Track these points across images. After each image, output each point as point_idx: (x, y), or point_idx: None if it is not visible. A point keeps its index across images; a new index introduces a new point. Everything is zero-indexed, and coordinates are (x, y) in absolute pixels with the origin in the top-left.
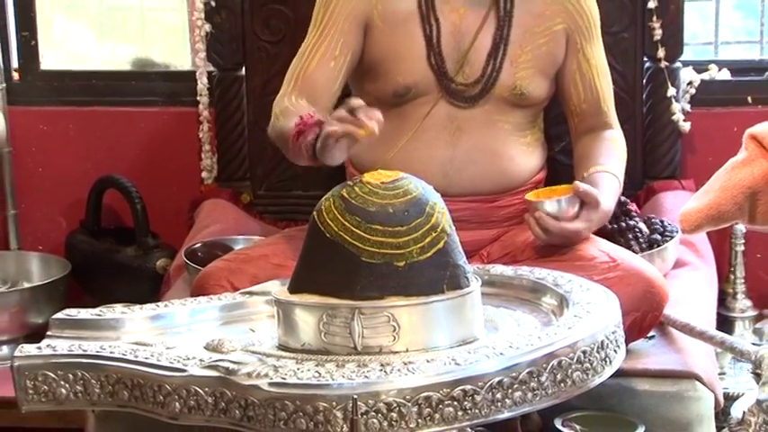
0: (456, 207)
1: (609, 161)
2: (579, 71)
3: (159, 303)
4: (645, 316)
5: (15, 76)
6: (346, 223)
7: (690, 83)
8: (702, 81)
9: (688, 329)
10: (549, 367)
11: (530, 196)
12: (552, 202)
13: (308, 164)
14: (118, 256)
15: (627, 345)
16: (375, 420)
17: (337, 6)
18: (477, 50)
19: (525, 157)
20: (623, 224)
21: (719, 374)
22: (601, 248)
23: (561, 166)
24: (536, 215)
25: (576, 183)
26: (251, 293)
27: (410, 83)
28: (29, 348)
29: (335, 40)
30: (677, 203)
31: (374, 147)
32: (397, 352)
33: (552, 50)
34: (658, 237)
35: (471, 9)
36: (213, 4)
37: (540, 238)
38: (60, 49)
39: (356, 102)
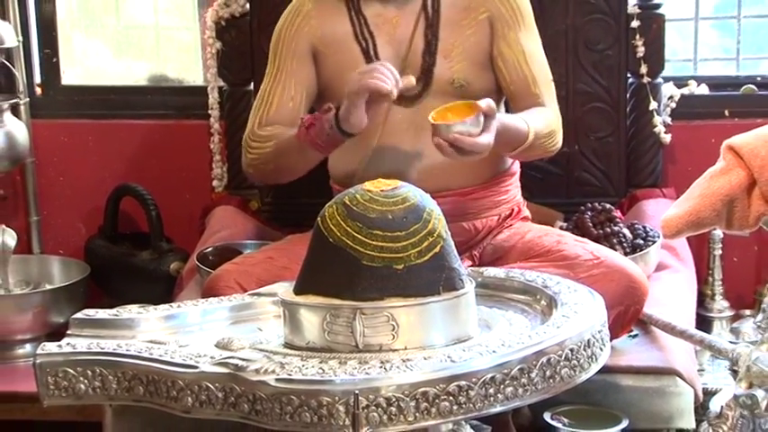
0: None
1: (523, 114)
2: (501, 56)
3: (172, 304)
4: (627, 310)
5: (38, 91)
6: (348, 229)
7: (671, 97)
8: (682, 95)
9: (669, 328)
10: (539, 364)
11: (432, 119)
12: (460, 125)
13: (319, 154)
14: (134, 260)
15: (612, 339)
16: (375, 414)
17: (284, 47)
18: (415, 53)
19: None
20: (608, 229)
21: (699, 371)
22: (585, 247)
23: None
24: (450, 137)
25: (475, 102)
26: (259, 295)
27: None
28: (50, 346)
29: (289, 82)
30: (659, 210)
31: (346, 160)
32: (396, 350)
33: (479, 40)
34: (641, 241)
35: (403, 16)
36: (224, 23)
37: (453, 158)
38: (80, 66)
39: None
